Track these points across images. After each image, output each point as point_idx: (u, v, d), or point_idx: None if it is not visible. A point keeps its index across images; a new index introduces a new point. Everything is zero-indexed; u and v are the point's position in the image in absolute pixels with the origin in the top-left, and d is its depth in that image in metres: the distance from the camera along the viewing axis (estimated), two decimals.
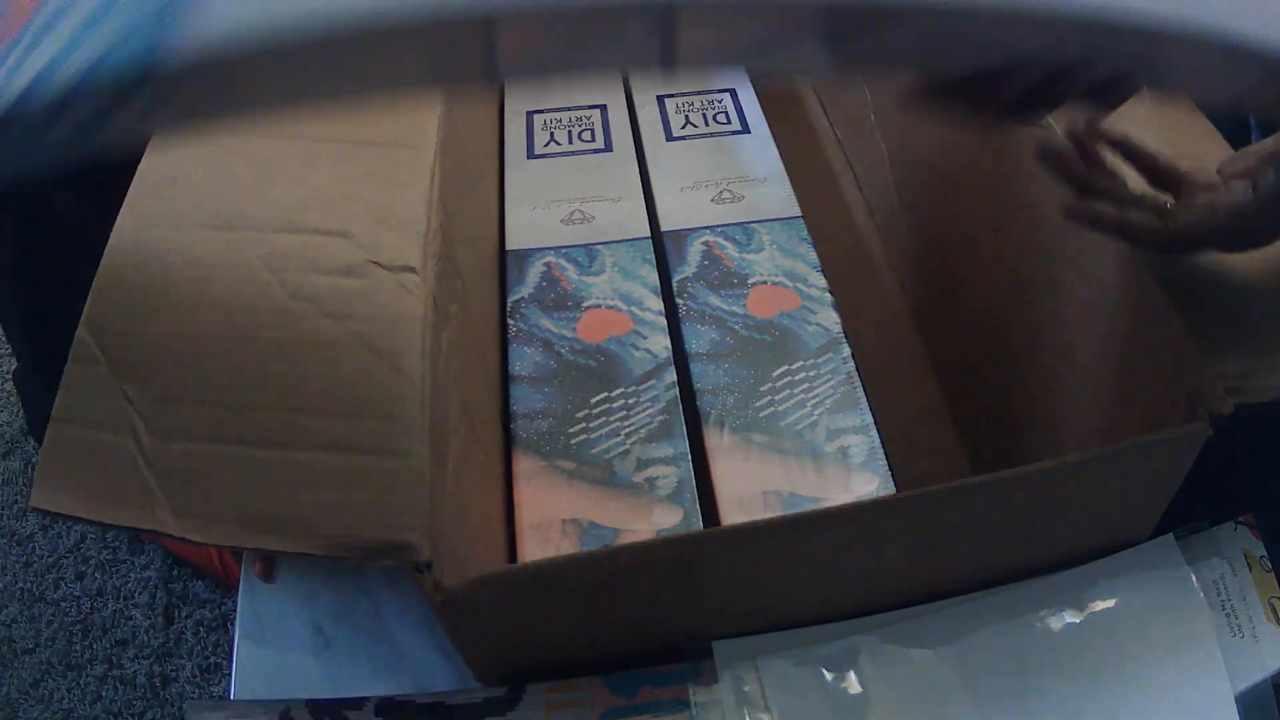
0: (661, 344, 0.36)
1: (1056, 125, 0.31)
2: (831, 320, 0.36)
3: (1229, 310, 0.28)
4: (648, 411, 0.34)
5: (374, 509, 0.24)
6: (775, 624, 0.29)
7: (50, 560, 0.57)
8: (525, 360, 0.36)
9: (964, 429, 0.44)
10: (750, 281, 0.38)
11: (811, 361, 0.35)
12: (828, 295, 0.37)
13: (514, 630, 0.28)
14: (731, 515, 0.31)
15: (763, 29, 0.15)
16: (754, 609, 0.29)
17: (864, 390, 0.34)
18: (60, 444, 0.24)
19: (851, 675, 0.29)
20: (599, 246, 0.39)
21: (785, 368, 0.35)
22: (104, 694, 0.51)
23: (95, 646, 0.53)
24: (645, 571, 0.25)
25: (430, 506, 0.24)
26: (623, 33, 0.15)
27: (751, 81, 0.49)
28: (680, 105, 0.47)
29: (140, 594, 0.54)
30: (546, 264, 0.39)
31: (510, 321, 0.37)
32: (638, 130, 0.46)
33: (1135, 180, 0.29)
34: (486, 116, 0.46)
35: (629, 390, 0.34)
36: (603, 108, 0.47)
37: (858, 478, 0.31)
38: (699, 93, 0.48)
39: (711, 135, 0.46)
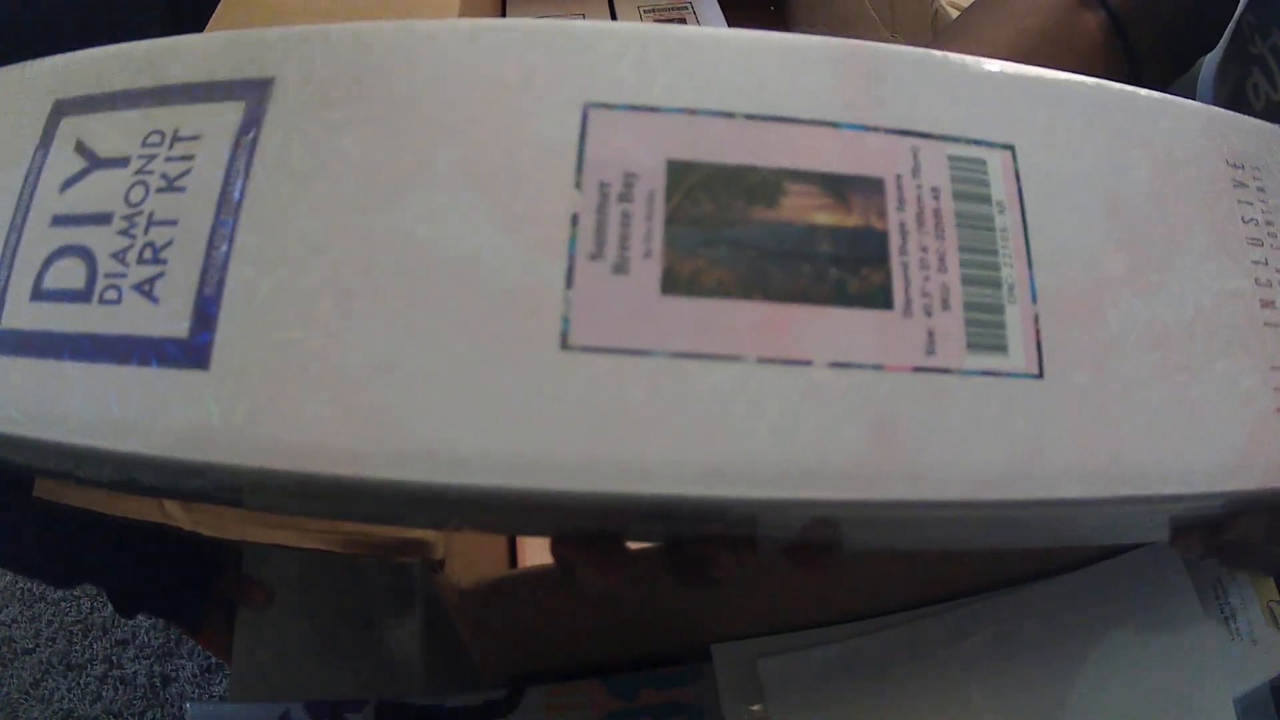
0: None
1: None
2: None
3: None
4: None
5: None
6: (775, 627, 0.27)
7: None
8: None
9: None
10: None
11: None
12: None
13: (523, 632, 0.25)
14: None
15: None
16: (753, 612, 0.27)
17: None
18: None
19: (851, 678, 0.27)
20: None
21: None
22: (104, 694, 0.49)
23: (95, 646, 0.51)
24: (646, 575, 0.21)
25: None
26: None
27: None
28: None
29: None
30: None
31: None
32: None
33: None
34: None
35: None
36: None
37: None
38: None
39: None
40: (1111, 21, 0.26)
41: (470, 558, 0.24)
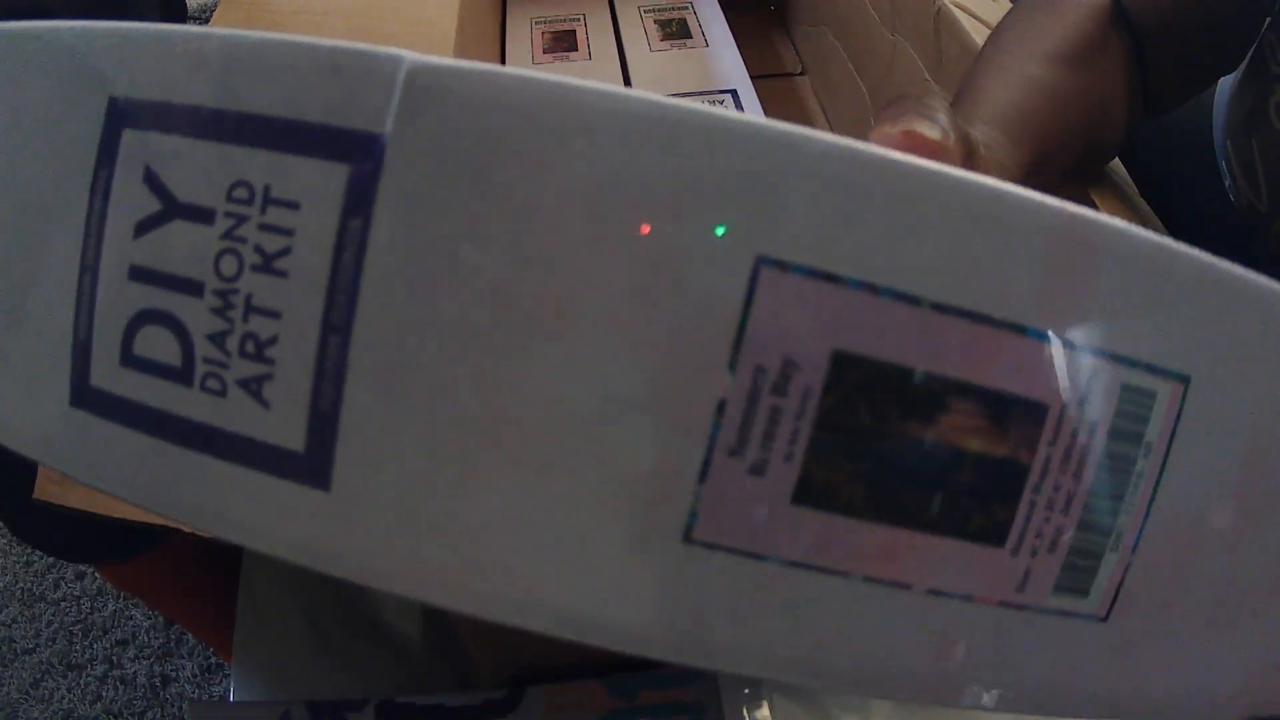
0: None
1: None
2: None
3: None
4: None
5: None
6: None
7: (50, 560, 0.51)
8: None
9: None
10: None
11: None
12: None
13: (523, 631, 0.24)
14: None
15: None
16: None
17: None
18: None
19: None
20: None
21: None
22: (104, 694, 0.47)
23: (95, 646, 0.49)
24: None
25: None
26: None
27: (752, 80, 0.42)
28: None
29: None
30: None
31: None
32: None
33: None
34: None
35: None
36: None
37: None
38: (701, 92, 0.41)
39: None
40: (1133, 45, 0.23)
41: None
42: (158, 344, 0.11)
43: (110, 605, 0.50)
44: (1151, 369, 0.12)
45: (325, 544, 0.11)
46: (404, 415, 0.11)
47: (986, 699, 0.12)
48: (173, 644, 0.49)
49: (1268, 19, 0.25)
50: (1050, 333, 0.11)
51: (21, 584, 0.51)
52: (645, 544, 0.11)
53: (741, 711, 0.25)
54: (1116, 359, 0.11)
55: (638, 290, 0.10)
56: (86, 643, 0.49)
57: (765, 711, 0.25)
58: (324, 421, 0.11)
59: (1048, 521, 0.12)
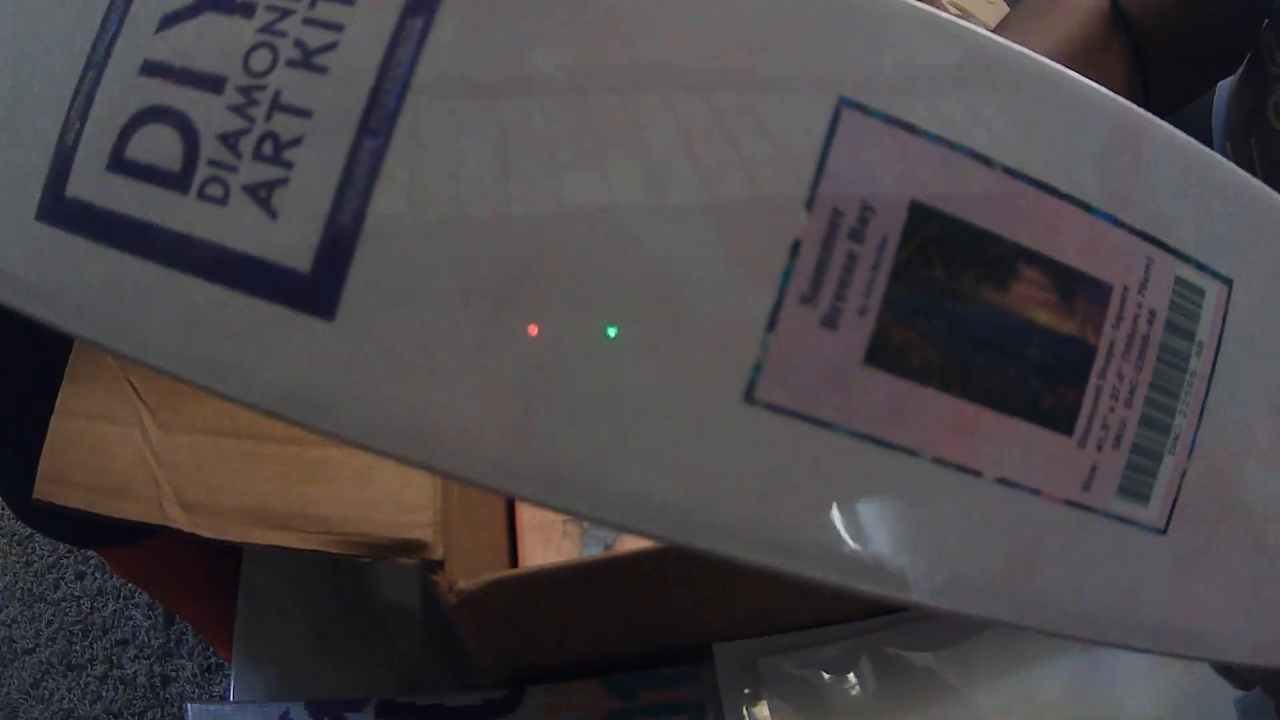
0: None
1: None
2: None
3: None
4: None
5: (385, 505, 0.20)
6: (776, 627, 0.26)
7: (50, 560, 0.50)
8: None
9: None
10: None
11: None
12: None
13: (522, 632, 0.24)
14: None
15: None
16: (755, 612, 0.26)
17: None
18: (64, 435, 0.19)
19: (851, 677, 0.26)
20: None
21: None
22: (104, 694, 0.47)
23: (95, 646, 0.48)
24: (650, 576, 0.23)
25: (441, 504, 0.20)
26: None
27: None
28: None
29: (141, 594, 0.49)
30: None
31: None
32: None
33: None
34: None
35: None
36: None
37: None
38: None
39: None
40: (1133, 49, 0.24)
41: (470, 558, 0.23)
42: (157, 144, 0.09)
43: (110, 605, 0.49)
44: (1200, 266, 0.12)
45: (318, 386, 0.09)
46: (437, 234, 0.09)
47: (1054, 617, 0.11)
48: (173, 644, 0.48)
49: (1266, 19, 0.25)
50: (1110, 212, 0.11)
51: (21, 584, 0.50)
52: (701, 404, 0.10)
53: (741, 711, 0.25)
54: (1168, 249, 0.11)
55: (716, 116, 0.10)
56: (86, 643, 0.48)
57: (765, 711, 0.25)
58: (340, 236, 0.09)
59: (1112, 412, 0.11)
